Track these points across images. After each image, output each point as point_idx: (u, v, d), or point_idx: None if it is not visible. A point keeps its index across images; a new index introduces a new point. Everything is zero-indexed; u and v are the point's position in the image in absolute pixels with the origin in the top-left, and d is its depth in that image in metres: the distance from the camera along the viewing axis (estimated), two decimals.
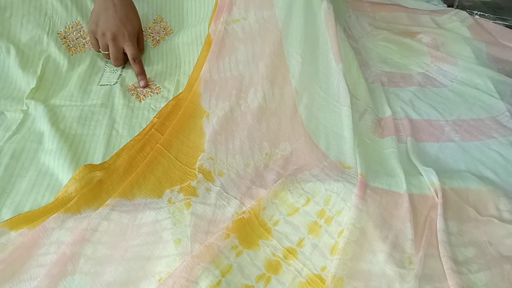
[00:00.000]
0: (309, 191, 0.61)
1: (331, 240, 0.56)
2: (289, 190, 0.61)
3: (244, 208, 0.59)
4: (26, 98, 0.76)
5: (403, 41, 0.98)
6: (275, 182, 0.62)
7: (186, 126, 0.72)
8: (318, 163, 0.66)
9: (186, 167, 0.66)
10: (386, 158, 0.70)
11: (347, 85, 0.76)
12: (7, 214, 0.60)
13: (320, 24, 0.83)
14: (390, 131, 0.75)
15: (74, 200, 0.59)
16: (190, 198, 0.60)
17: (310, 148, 0.70)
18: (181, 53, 0.88)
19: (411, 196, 0.62)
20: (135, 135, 0.72)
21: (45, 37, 0.85)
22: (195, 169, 0.65)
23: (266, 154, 0.69)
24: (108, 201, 0.59)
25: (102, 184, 0.63)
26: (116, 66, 0.84)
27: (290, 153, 0.69)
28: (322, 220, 0.58)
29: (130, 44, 0.83)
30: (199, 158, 0.66)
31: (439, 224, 0.58)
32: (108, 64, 0.86)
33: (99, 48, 0.84)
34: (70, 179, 0.63)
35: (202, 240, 0.55)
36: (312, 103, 0.76)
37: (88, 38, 0.87)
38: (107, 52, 0.84)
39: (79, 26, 0.88)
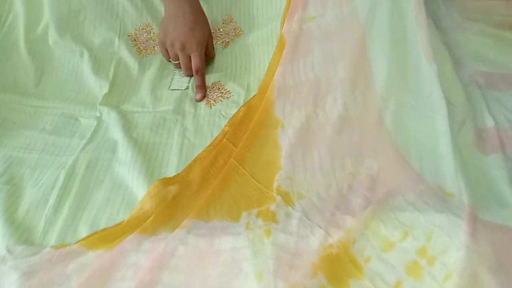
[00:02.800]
0: (406, 223, 0.51)
1: (435, 285, 0.46)
2: (381, 220, 0.52)
3: (330, 239, 0.51)
4: (99, 104, 0.73)
5: (501, 34, 0.82)
6: (363, 208, 0.53)
7: (260, 137, 0.65)
8: (412, 187, 0.56)
9: (263, 186, 0.59)
10: (495, 182, 0.58)
11: (442, 90, 0.64)
12: (83, 230, 0.57)
13: (408, 17, 0.70)
14: (494, 146, 0.62)
15: (150, 219, 0.55)
16: (270, 225, 0.53)
17: (400, 166, 0.59)
18: (251, 55, 0.81)
19: None
20: (207, 145, 0.67)
21: (117, 39, 0.82)
22: (272, 190, 0.58)
23: (350, 173, 0.59)
24: (184, 222, 0.54)
25: (177, 201, 0.58)
26: (188, 75, 0.79)
27: (377, 172, 0.59)
28: (424, 260, 0.49)
29: (197, 54, 0.76)
30: (276, 178, 0.59)
31: None
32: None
33: (170, 58, 0.79)
34: (145, 195, 0.58)
35: (286, 275, 0.48)
36: (401, 111, 0.64)
37: (157, 40, 0.82)
38: (177, 62, 0.78)
39: (149, 28, 0.84)
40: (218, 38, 0.84)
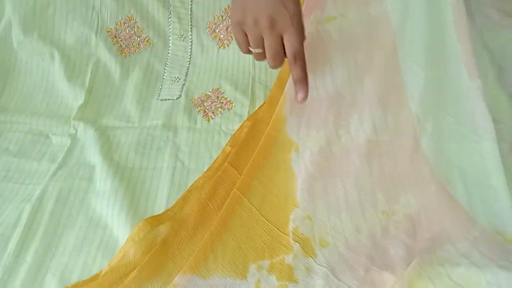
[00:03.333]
0: (461, 283, 0.40)
1: None
2: (429, 278, 0.41)
3: None
4: (73, 119, 0.61)
5: None
6: (404, 262, 0.42)
7: (269, 162, 0.53)
8: (463, 232, 0.45)
9: (275, 228, 0.48)
10: None
11: (488, 110, 0.53)
12: (52, 283, 0.46)
13: (446, 24, 0.58)
14: None
15: (133, 274, 0.43)
16: (287, 286, 0.42)
17: (446, 204, 0.48)
18: None
19: None
20: (205, 170, 0.55)
21: (93, 36, 0.69)
22: (287, 233, 0.47)
23: (383, 212, 0.48)
24: (176, 279, 0.43)
25: (168, 246, 0.46)
26: (274, 67, 0.53)
27: (418, 212, 0.48)
28: None
29: (293, 32, 0.50)
30: (291, 217, 0.48)
31: None
32: (167, 69, 0.68)
33: (249, 45, 0.53)
34: (127, 240, 0.47)
35: None
36: (440, 134, 0.53)
37: (143, 36, 0.70)
38: (261, 50, 0.53)
39: (132, 21, 0.71)
40: (216, 34, 0.72)
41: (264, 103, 0.62)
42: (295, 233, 0.46)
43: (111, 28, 0.70)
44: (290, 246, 0.45)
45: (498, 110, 0.57)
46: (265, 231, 0.48)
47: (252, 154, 0.55)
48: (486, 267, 0.41)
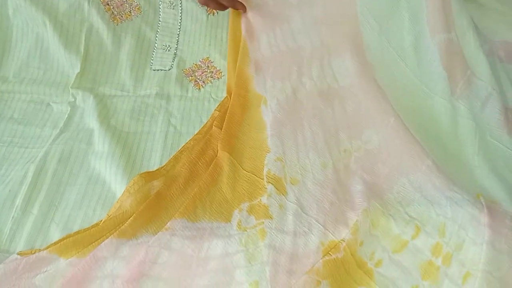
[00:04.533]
0: (417, 217, 0.46)
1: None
2: (391, 215, 0.46)
3: (331, 236, 0.46)
4: (71, 87, 0.66)
5: None
6: (364, 198, 0.47)
7: (244, 120, 0.58)
8: (418, 162, 0.50)
9: (253, 175, 0.53)
10: None
11: (445, 68, 0.56)
12: (56, 232, 0.51)
13: None
14: None
15: (129, 221, 0.49)
16: (263, 223, 0.47)
17: (403, 135, 0.52)
18: None
19: None
20: (195, 133, 0.60)
21: (86, 3, 0.71)
22: (262, 177, 0.52)
23: (345, 150, 0.53)
24: (168, 223, 0.49)
25: (161, 198, 0.52)
26: (223, 9, 0.67)
27: (378, 145, 0.53)
28: (439, 259, 0.44)
29: None
30: (265, 162, 0.53)
31: None
32: (159, 37, 0.72)
33: None
34: (124, 192, 0.53)
35: (284, 283, 0.42)
36: (395, 84, 0.58)
37: (134, 4, 0.73)
38: None
39: None
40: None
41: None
42: (268, 175, 0.52)
43: None
44: (265, 187, 0.51)
45: (477, 65, 0.59)
46: (245, 180, 0.53)
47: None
48: (435, 199, 0.46)
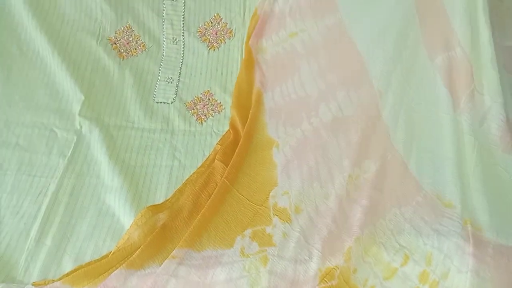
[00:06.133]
0: (406, 246, 0.51)
1: None
2: (382, 243, 0.51)
3: (328, 263, 0.51)
4: (79, 115, 0.70)
5: None
6: (360, 222, 0.52)
7: (253, 157, 0.64)
8: (410, 197, 0.55)
9: (256, 206, 0.58)
10: (509, 191, 0.54)
11: (446, 85, 0.59)
12: (68, 263, 0.56)
13: (408, 10, 0.65)
14: None
15: (137, 252, 0.54)
16: (266, 250, 0.52)
17: (399, 170, 0.57)
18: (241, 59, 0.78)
19: None
20: (198, 166, 0.65)
21: (94, 42, 0.78)
22: (267, 207, 0.57)
23: (349, 176, 0.58)
24: (174, 252, 0.53)
25: (166, 230, 0.57)
26: None
27: (375, 175, 0.57)
28: (426, 286, 0.48)
29: None
30: (271, 194, 0.58)
31: None
32: (162, 69, 0.78)
33: None
34: (132, 225, 0.58)
35: None
36: (401, 106, 0.62)
37: (140, 42, 0.79)
38: None
39: (130, 30, 0.81)
40: (206, 37, 0.81)
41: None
42: (275, 207, 0.57)
43: (111, 37, 0.80)
44: (270, 219, 0.56)
45: (483, 77, 0.60)
46: (248, 209, 0.58)
47: (234, 151, 0.64)
48: (423, 230, 0.51)
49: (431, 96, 0.61)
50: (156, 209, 0.59)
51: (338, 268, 0.50)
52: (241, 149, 0.64)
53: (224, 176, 0.61)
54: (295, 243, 0.53)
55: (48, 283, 0.53)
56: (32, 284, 0.54)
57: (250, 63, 0.74)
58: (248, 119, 0.67)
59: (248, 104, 0.70)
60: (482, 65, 0.60)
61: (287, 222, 0.55)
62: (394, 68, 0.64)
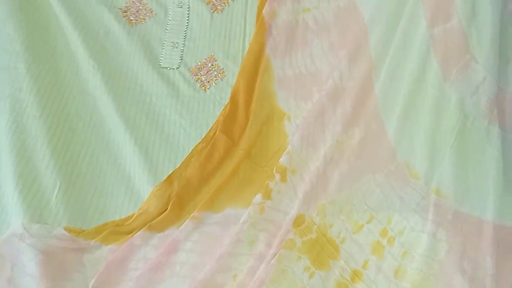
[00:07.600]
0: (373, 207, 0.63)
1: (394, 262, 0.60)
2: (354, 204, 0.63)
3: (302, 212, 0.62)
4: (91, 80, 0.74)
5: None
6: (337, 187, 0.63)
7: (265, 130, 0.72)
8: (383, 165, 0.65)
9: (269, 170, 0.68)
10: (488, 162, 0.61)
11: (437, 57, 0.64)
12: (94, 215, 0.66)
13: None
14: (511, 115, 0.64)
15: (157, 219, 0.65)
16: (265, 203, 0.64)
17: (379, 139, 0.66)
18: (247, 23, 0.81)
19: (501, 228, 0.59)
20: (203, 135, 0.73)
21: (106, 11, 0.81)
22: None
23: (337, 140, 0.67)
24: (194, 213, 0.64)
25: (181, 199, 0.67)
26: None
27: (358, 142, 0.67)
28: (385, 239, 0.62)
29: None
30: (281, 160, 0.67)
31: None
32: (168, 34, 0.81)
33: None
34: (150, 195, 0.67)
35: (271, 242, 0.61)
36: (392, 78, 0.68)
37: (148, 8, 0.82)
38: None
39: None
40: (210, 0, 0.82)
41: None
42: (278, 165, 0.67)
43: (122, 6, 0.82)
44: (273, 175, 0.66)
45: (481, 42, 0.64)
46: (262, 174, 0.68)
47: (236, 121, 0.73)
48: (389, 196, 0.63)
49: (420, 69, 0.67)
50: (169, 180, 0.68)
51: (315, 224, 0.63)
52: (255, 117, 0.71)
53: (240, 147, 0.70)
54: (288, 199, 0.64)
55: (80, 234, 0.64)
56: (65, 230, 0.64)
57: (262, 30, 0.77)
58: (256, 88, 0.73)
59: (255, 71, 0.75)
60: (480, 36, 0.65)
61: (284, 181, 0.66)
62: (392, 39, 0.70)
